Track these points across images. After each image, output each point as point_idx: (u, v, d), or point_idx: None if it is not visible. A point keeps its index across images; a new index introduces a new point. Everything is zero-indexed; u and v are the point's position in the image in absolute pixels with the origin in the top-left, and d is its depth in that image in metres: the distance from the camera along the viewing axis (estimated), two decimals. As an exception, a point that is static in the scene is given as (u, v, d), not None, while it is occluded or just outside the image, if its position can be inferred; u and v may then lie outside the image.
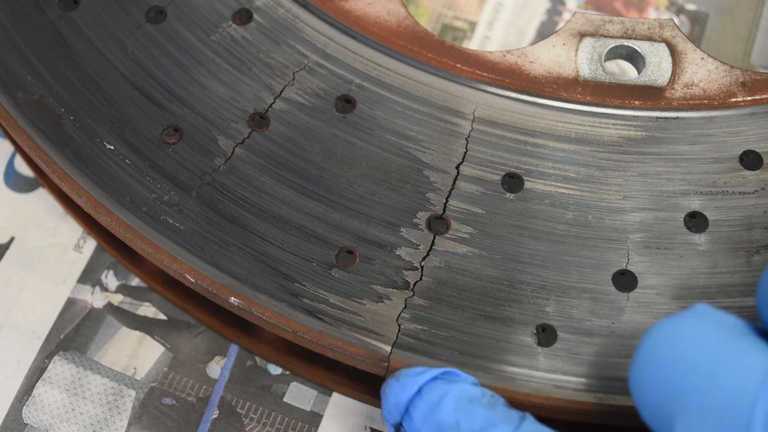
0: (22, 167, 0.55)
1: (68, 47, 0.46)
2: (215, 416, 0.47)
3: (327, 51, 0.46)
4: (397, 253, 0.41)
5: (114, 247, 0.50)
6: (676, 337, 0.30)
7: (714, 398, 0.28)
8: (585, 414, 0.39)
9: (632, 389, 0.31)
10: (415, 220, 0.42)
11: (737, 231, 0.42)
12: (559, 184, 0.43)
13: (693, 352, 0.29)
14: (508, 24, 0.60)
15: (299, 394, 0.47)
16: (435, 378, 0.34)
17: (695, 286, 0.40)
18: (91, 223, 0.51)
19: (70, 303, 0.50)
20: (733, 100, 0.45)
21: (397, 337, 0.40)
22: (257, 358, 0.48)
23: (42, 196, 0.53)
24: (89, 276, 0.51)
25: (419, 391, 0.34)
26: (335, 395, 0.47)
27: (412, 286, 0.41)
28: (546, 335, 0.40)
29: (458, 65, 0.46)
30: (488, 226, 0.42)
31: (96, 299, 0.50)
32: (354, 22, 0.47)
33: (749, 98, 0.45)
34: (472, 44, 0.59)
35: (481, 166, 0.43)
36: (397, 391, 0.34)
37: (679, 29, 0.47)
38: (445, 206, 0.43)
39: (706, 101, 0.45)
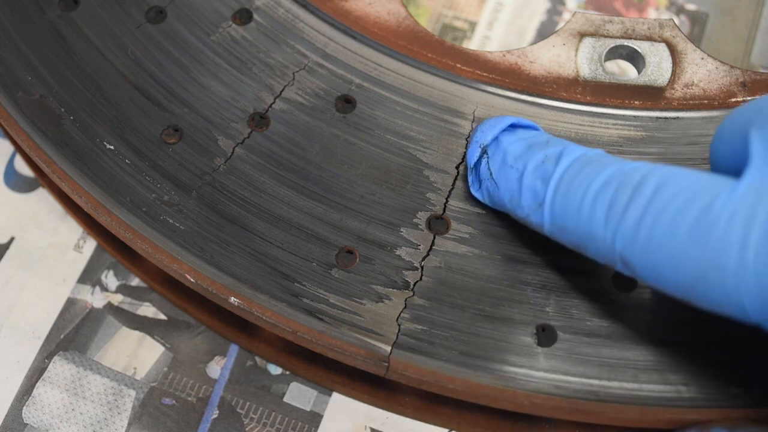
0: (22, 167, 0.55)
1: (68, 47, 0.46)
2: (215, 416, 0.47)
3: (327, 51, 0.46)
4: (397, 253, 0.41)
5: (114, 247, 0.50)
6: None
7: None
8: (585, 414, 0.39)
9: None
10: (415, 220, 0.42)
11: (737, 231, 0.42)
12: (559, 184, 0.43)
13: None
14: (508, 24, 0.60)
15: (299, 394, 0.47)
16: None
17: (695, 286, 0.40)
18: (91, 223, 0.51)
19: (70, 303, 0.50)
20: (733, 100, 0.45)
21: (397, 337, 0.40)
22: (257, 358, 0.48)
23: (42, 196, 0.53)
24: (89, 276, 0.51)
25: (513, 126, 0.39)
26: (335, 395, 0.47)
27: (412, 286, 0.41)
28: (546, 335, 0.40)
29: (458, 65, 0.46)
30: (488, 226, 0.42)
31: (96, 299, 0.50)
32: (354, 22, 0.47)
33: (749, 98, 0.45)
34: (472, 44, 0.59)
35: (481, 166, 0.43)
36: (496, 120, 0.39)
37: (679, 29, 0.47)
38: (445, 206, 0.43)
39: (706, 101, 0.45)
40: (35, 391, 0.47)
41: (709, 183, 0.31)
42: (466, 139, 0.44)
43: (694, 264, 0.30)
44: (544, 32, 0.60)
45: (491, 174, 0.38)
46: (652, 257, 0.31)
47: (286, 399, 0.47)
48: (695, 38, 0.59)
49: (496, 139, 0.39)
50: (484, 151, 0.39)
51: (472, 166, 0.40)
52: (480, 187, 0.40)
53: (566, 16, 0.61)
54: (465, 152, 0.44)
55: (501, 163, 0.38)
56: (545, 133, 0.40)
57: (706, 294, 0.30)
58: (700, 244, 0.30)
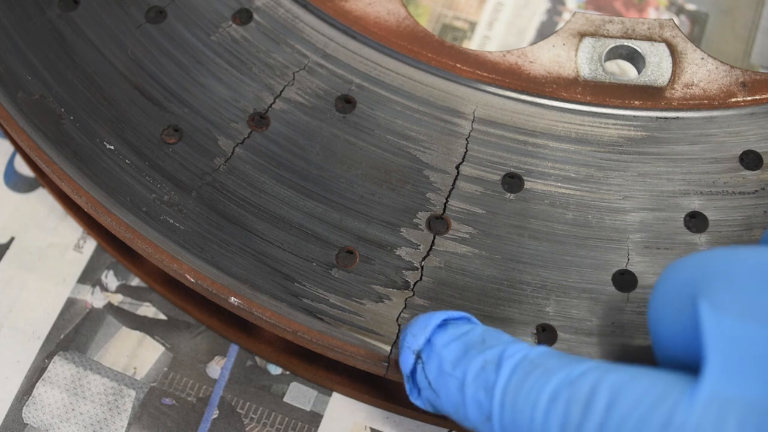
0: (22, 167, 0.55)
1: (68, 47, 0.46)
2: (215, 416, 0.47)
3: (327, 51, 0.46)
4: (397, 253, 0.41)
5: (114, 247, 0.50)
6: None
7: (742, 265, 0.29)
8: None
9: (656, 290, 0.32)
10: (415, 220, 0.42)
11: (737, 231, 0.42)
12: (559, 184, 0.43)
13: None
14: (508, 24, 0.60)
15: (299, 394, 0.47)
16: (460, 318, 0.36)
17: (695, 286, 0.40)
18: (91, 223, 0.51)
19: (70, 303, 0.50)
20: (733, 100, 0.45)
21: (397, 337, 0.39)
22: (257, 358, 0.48)
23: (42, 196, 0.53)
24: (89, 276, 0.51)
25: (444, 321, 0.36)
26: (335, 395, 0.47)
27: (412, 286, 0.41)
28: (546, 335, 0.40)
29: (458, 65, 0.46)
30: (488, 226, 0.42)
31: (96, 299, 0.50)
32: (354, 22, 0.47)
33: (749, 98, 0.45)
34: (472, 44, 0.59)
35: (481, 166, 0.43)
36: (425, 319, 0.36)
37: (679, 29, 0.47)
38: (445, 206, 0.43)
39: (706, 101, 0.45)
40: (35, 391, 0.47)
41: (664, 390, 0.29)
42: (466, 139, 0.44)
43: None
44: (544, 32, 0.60)
45: (429, 383, 0.35)
46: None
47: (286, 399, 0.47)
48: (695, 38, 0.59)
49: (428, 341, 0.35)
50: (418, 357, 0.35)
51: (407, 374, 0.36)
52: (419, 395, 0.36)
53: (566, 16, 0.61)
54: (465, 152, 0.44)
55: (438, 370, 0.34)
56: (479, 324, 0.36)
57: None
58: None
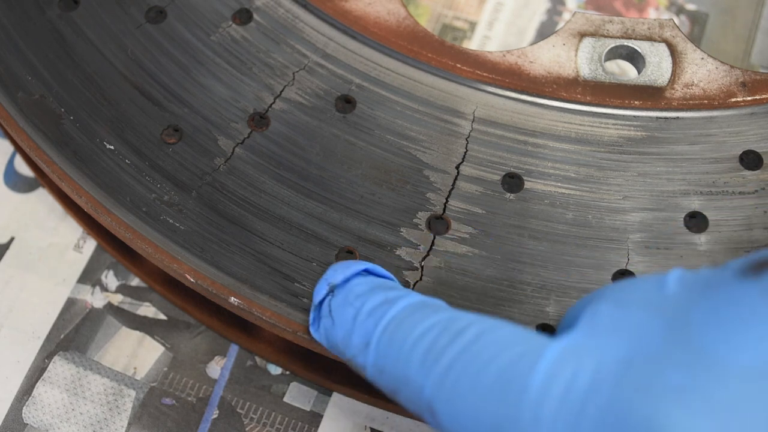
0: (22, 167, 0.55)
1: (68, 47, 0.46)
2: (215, 416, 0.47)
3: (327, 51, 0.46)
4: (397, 253, 0.41)
5: (114, 247, 0.50)
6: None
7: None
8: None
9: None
10: (415, 220, 0.42)
11: (737, 231, 0.42)
12: (559, 184, 0.43)
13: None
14: (508, 24, 0.60)
15: (299, 394, 0.47)
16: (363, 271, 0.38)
17: (695, 286, 0.40)
18: (91, 223, 0.51)
19: (70, 303, 0.50)
20: (733, 100, 0.45)
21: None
22: (257, 358, 0.48)
23: (42, 196, 0.53)
24: (89, 276, 0.51)
25: (367, 271, 0.38)
26: (335, 395, 0.47)
27: (412, 286, 0.41)
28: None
29: (458, 65, 0.46)
30: (488, 226, 0.42)
31: (96, 299, 0.50)
32: (354, 22, 0.47)
33: (749, 98, 0.45)
34: (472, 44, 0.59)
35: (481, 166, 0.43)
36: (352, 263, 0.38)
37: (679, 29, 0.47)
38: (445, 206, 0.43)
39: (706, 101, 0.45)
40: (35, 391, 0.47)
41: (527, 337, 0.30)
42: (466, 139, 0.44)
43: (492, 415, 0.28)
44: (544, 32, 0.60)
45: (330, 311, 0.37)
46: (456, 405, 0.30)
47: (286, 399, 0.47)
48: (695, 38, 0.59)
49: (346, 280, 0.37)
50: (331, 290, 0.37)
51: (316, 303, 0.38)
52: (318, 326, 0.38)
53: (566, 16, 0.61)
54: (465, 152, 0.44)
55: (342, 300, 0.36)
56: (397, 283, 0.38)
57: None
58: (501, 394, 0.28)
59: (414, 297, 0.35)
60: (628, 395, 0.26)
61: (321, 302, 0.38)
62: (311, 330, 0.38)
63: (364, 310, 0.35)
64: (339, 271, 0.37)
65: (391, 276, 0.38)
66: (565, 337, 0.29)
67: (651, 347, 0.27)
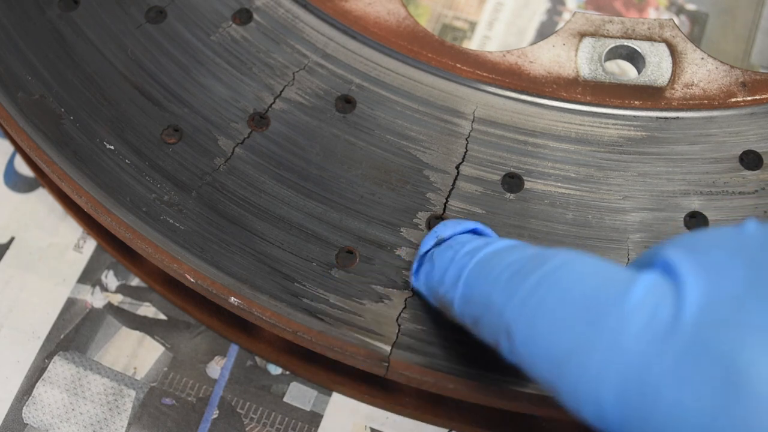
0: (22, 167, 0.55)
1: (68, 47, 0.46)
2: (215, 416, 0.47)
3: (327, 51, 0.46)
4: (397, 253, 0.41)
5: (114, 247, 0.50)
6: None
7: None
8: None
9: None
10: (415, 220, 0.42)
11: (737, 231, 0.42)
12: (559, 184, 0.43)
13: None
14: (508, 24, 0.60)
15: (299, 394, 0.47)
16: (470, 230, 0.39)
17: (695, 286, 0.40)
18: (91, 223, 0.51)
19: (70, 303, 0.50)
20: (733, 100, 0.45)
21: (397, 337, 0.39)
22: (257, 358, 0.48)
23: (42, 196, 0.53)
24: (89, 276, 0.51)
25: (475, 230, 0.39)
26: (335, 395, 0.47)
27: (412, 286, 0.41)
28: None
29: (458, 65, 0.46)
30: (488, 226, 0.42)
31: (96, 299, 0.50)
32: (354, 22, 0.47)
33: (749, 98, 0.45)
34: (472, 44, 0.59)
35: (481, 166, 0.43)
36: (463, 221, 0.39)
37: (679, 29, 0.47)
38: (445, 206, 0.43)
39: (706, 101, 0.45)
40: (35, 391, 0.47)
41: (612, 269, 0.30)
42: (466, 139, 0.44)
43: (568, 338, 0.28)
44: (544, 32, 0.60)
45: (432, 256, 0.38)
46: (534, 327, 0.30)
47: (286, 399, 0.47)
48: (695, 38, 0.59)
49: (453, 235, 0.39)
50: (438, 243, 0.39)
51: (421, 253, 0.39)
52: (418, 271, 0.39)
53: (566, 16, 0.61)
54: (465, 152, 0.44)
55: (445, 246, 0.38)
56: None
57: (570, 375, 0.28)
58: (582, 319, 0.28)
59: (512, 240, 0.35)
60: (713, 330, 0.26)
61: (426, 253, 0.39)
62: (412, 281, 0.40)
63: (462, 251, 0.36)
64: (449, 227, 0.39)
65: (495, 235, 0.39)
66: (647, 273, 0.29)
67: (734, 286, 0.27)
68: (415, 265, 0.40)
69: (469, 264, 0.34)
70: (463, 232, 0.38)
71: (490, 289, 0.32)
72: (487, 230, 0.39)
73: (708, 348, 0.25)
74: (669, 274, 0.28)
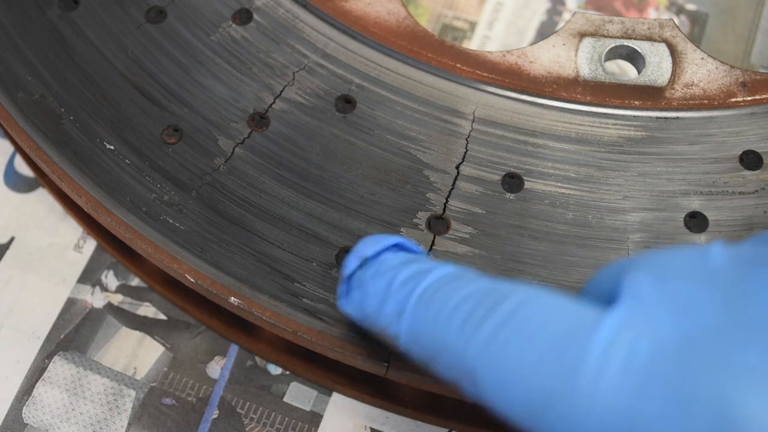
0: (22, 167, 0.55)
1: (68, 47, 0.46)
2: (215, 416, 0.47)
3: (327, 51, 0.46)
4: (397, 253, 0.41)
5: (114, 247, 0.50)
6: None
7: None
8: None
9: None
10: (415, 220, 0.42)
11: (737, 231, 0.42)
12: (559, 184, 0.43)
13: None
14: (508, 24, 0.60)
15: (299, 394, 0.47)
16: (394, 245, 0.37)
17: (695, 286, 0.40)
18: (91, 223, 0.51)
19: (70, 303, 0.50)
20: (733, 100, 0.45)
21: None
22: (257, 358, 0.48)
23: (42, 196, 0.54)
24: (89, 276, 0.51)
25: (399, 246, 0.37)
26: (335, 395, 0.47)
27: (412, 286, 0.41)
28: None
29: (458, 65, 0.46)
30: (488, 226, 0.42)
31: (96, 299, 0.50)
32: (354, 22, 0.47)
33: (749, 98, 0.45)
34: (472, 44, 0.59)
35: (481, 166, 0.43)
36: (383, 237, 0.37)
37: (679, 29, 0.47)
38: (445, 206, 0.43)
39: (706, 101, 0.45)
40: (35, 391, 0.47)
41: (575, 307, 0.29)
42: (466, 139, 0.44)
43: (543, 384, 0.27)
44: (544, 32, 0.60)
45: (363, 280, 0.36)
46: (502, 372, 0.29)
47: (286, 399, 0.47)
48: (695, 38, 0.59)
49: (377, 253, 0.37)
50: (362, 263, 0.37)
51: (346, 276, 0.37)
52: (348, 295, 0.37)
53: (566, 16, 0.61)
54: (465, 152, 0.44)
55: (374, 272, 0.36)
56: (429, 257, 0.38)
57: (552, 422, 0.27)
58: (554, 364, 0.27)
59: (449, 267, 0.34)
60: (696, 373, 0.25)
61: (351, 275, 0.37)
62: (340, 303, 0.38)
63: (397, 279, 0.34)
64: (370, 245, 0.37)
65: (423, 251, 0.38)
66: (616, 309, 0.28)
67: (710, 322, 0.26)
68: (342, 288, 0.37)
69: (411, 297, 0.33)
70: (386, 248, 0.37)
71: (443, 331, 0.31)
72: (410, 244, 0.37)
73: (696, 392, 0.25)
74: (637, 307, 0.28)
